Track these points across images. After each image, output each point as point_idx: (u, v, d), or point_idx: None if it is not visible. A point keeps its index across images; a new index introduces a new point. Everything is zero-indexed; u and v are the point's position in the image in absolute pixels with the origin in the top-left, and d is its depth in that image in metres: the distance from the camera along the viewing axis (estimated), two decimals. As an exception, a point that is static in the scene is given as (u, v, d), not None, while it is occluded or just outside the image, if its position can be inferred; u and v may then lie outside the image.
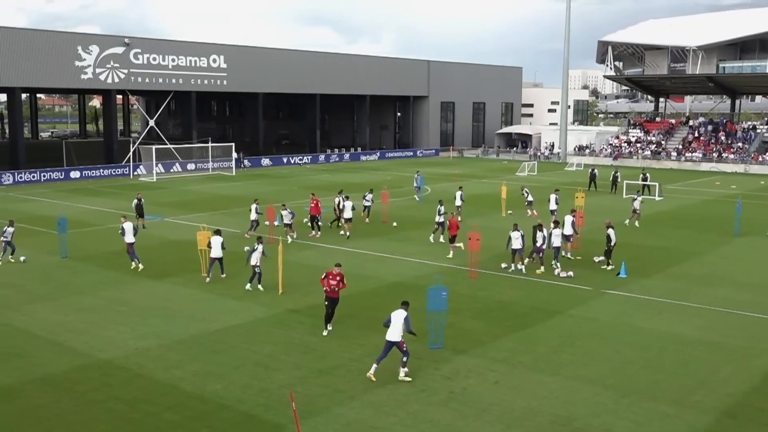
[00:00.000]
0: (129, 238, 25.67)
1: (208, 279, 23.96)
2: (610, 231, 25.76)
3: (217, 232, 24.32)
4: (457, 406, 14.34)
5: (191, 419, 13.69)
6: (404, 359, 15.49)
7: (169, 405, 14.30)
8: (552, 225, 26.41)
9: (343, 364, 16.50)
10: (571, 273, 24.96)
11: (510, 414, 13.97)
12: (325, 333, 18.62)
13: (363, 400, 14.53)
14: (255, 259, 22.57)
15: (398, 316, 15.61)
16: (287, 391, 14.41)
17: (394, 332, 15.45)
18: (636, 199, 36.34)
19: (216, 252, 23.80)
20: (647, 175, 49.88)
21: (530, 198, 38.73)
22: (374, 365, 15.50)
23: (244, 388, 15.15)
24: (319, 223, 32.68)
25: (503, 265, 26.02)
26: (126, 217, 26.99)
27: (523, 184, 47.65)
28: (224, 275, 24.18)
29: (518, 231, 25.15)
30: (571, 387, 15.29)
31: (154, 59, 63.99)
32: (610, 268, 25.64)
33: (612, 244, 25.73)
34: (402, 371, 15.53)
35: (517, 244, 25.10)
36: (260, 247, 22.67)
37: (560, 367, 16.42)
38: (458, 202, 36.92)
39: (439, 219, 30.72)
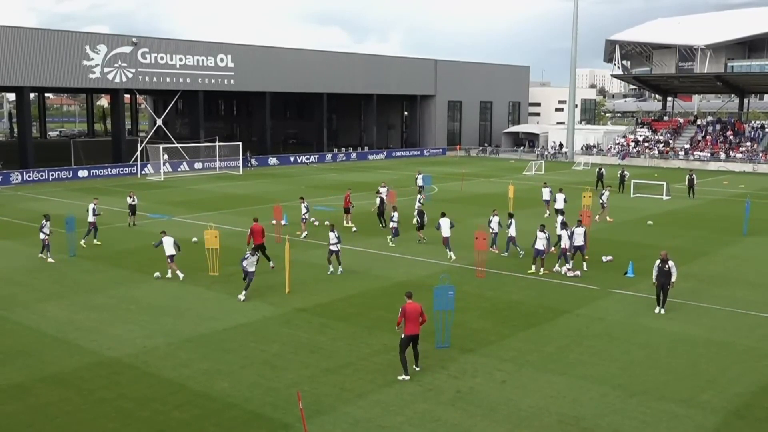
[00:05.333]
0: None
1: (164, 275, 24.42)
2: (671, 263, 20.51)
3: (163, 233, 24.90)
4: (465, 405, 14.34)
5: (199, 418, 13.74)
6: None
7: (178, 403, 14.36)
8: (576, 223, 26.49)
9: (351, 363, 16.52)
10: (578, 272, 24.91)
11: (517, 413, 13.96)
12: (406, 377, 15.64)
13: (370, 399, 14.55)
14: (249, 264, 21.61)
15: (445, 223, 26.72)
16: (295, 390, 14.45)
17: (446, 230, 26.89)
18: None
19: (169, 250, 24.10)
20: (694, 176, 47.88)
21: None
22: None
23: (251, 386, 15.19)
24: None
25: (542, 271, 25.16)
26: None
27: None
28: (182, 276, 24.18)
29: (544, 232, 24.90)
30: (579, 386, 15.27)
31: (162, 59, 64.14)
32: (662, 311, 20.65)
33: (672, 281, 20.51)
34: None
35: (540, 244, 24.84)
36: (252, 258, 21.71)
37: (568, 367, 16.40)
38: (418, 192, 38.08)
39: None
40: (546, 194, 39.17)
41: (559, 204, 36.04)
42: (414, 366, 15.88)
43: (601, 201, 37.13)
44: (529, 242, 26.46)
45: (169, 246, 24.19)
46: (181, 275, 24.21)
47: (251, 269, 21.64)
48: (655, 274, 20.62)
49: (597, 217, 36.62)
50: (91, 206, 30.56)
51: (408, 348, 15.62)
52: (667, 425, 13.51)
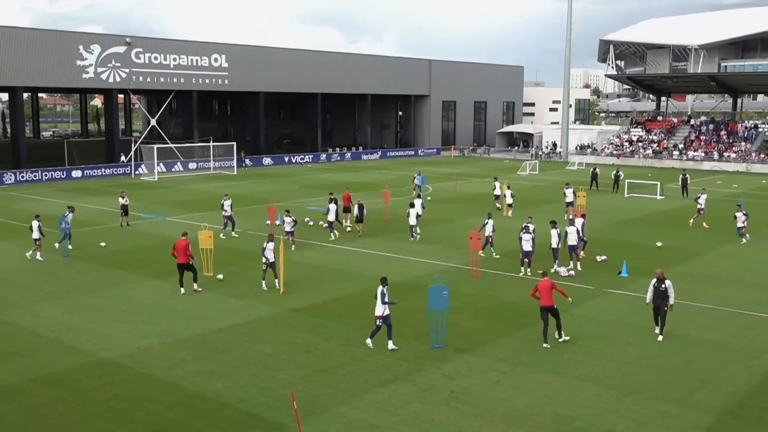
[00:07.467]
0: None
1: (28, 255, 27.22)
2: (668, 283, 18.29)
3: (37, 217, 27.59)
4: (459, 405, 14.35)
5: (193, 418, 13.72)
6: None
7: (172, 404, 14.33)
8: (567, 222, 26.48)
9: (345, 364, 16.52)
10: (572, 272, 24.95)
11: (511, 413, 13.98)
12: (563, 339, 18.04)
13: (365, 400, 14.55)
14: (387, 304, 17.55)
15: (332, 208, 29.73)
16: (289, 391, 14.43)
17: (332, 214, 29.77)
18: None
19: (35, 234, 27.08)
20: (687, 176, 48.01)
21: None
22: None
23: (245, 387, 15.17)
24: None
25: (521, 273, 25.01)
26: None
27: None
28: (32, 254, 27.15)
29: (529, 233, 24.74)
30: (573, 386, 15.30)
31: (156, 58, 64.04)
32: (660, 338, 18.42)
33: (670, 303, 18.22)
34: None
35: (527, 246, 24.76)
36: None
37: (562, 367, 16.43)
38: (509, 201, 38.16)
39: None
40: (498, 189, 40.71)
41: (569, 197, 36.46)
42: (557, 336, 17.80)
43: (698, 205, 35.65)
44: (516, 244, 26.20)
45: (35, 231, 27.19)
46: (38, 255, 27.17)
47: (387, 311, 17.46)
48: (650, 294, 18.30)
49: (691, 220, 35.49)
50: (225, 202, 33.02)
51: (549, 318, 17.70)
52: (661, 424, 13.54)
